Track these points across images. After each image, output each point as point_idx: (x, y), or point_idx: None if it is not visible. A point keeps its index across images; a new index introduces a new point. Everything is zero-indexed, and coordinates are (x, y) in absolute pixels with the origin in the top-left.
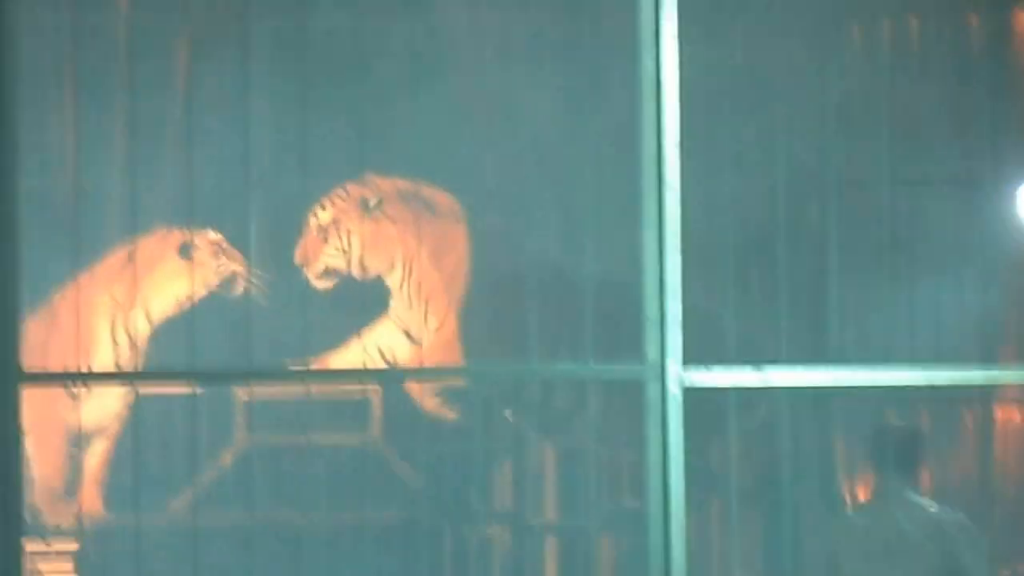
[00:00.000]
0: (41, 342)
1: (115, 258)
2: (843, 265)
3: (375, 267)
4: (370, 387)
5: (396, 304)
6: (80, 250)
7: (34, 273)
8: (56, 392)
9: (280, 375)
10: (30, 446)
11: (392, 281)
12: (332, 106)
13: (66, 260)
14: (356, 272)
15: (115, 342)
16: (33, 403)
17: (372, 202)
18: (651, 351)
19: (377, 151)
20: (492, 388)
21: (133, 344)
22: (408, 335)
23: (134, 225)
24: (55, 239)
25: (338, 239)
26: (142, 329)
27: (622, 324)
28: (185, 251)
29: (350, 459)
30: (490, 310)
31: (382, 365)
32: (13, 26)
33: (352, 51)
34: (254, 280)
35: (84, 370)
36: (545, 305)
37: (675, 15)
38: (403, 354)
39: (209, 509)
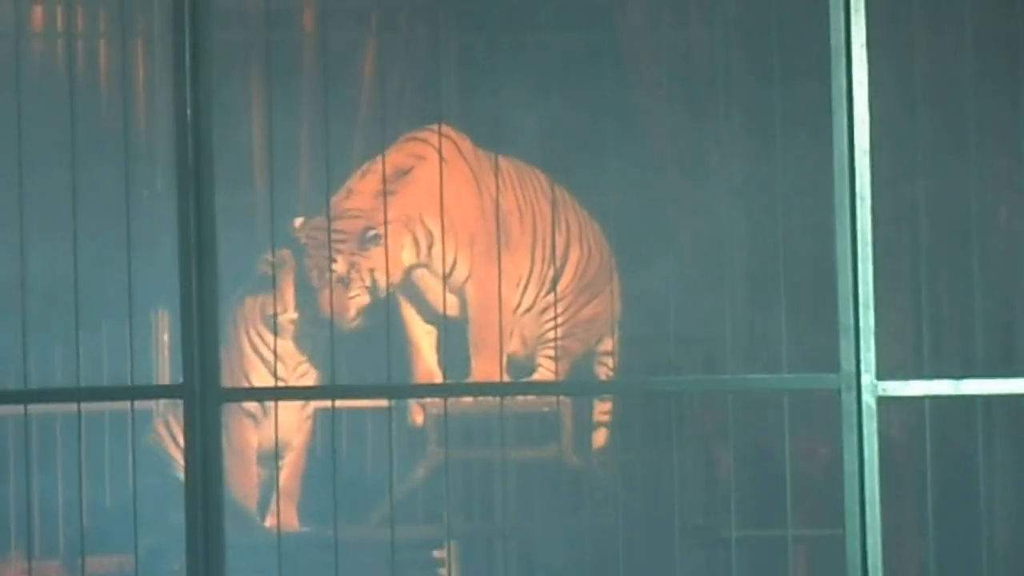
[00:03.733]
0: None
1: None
2: None
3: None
4: (561, 400)
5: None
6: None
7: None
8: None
9: (470, 389)
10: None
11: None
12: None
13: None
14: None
15: (291, 357)
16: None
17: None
18: (845, 361)
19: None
20: (686, 400)
21: (310, 359)
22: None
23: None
24: (239, 256)
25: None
26: (321, 344)
27: (816, 334)
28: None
29: (542, 471)
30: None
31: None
32: (208, 44)
33: (554, 71)
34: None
35: (279, 385)
36: (741, 315)
37: (864, 24)
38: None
39: (403, 523)
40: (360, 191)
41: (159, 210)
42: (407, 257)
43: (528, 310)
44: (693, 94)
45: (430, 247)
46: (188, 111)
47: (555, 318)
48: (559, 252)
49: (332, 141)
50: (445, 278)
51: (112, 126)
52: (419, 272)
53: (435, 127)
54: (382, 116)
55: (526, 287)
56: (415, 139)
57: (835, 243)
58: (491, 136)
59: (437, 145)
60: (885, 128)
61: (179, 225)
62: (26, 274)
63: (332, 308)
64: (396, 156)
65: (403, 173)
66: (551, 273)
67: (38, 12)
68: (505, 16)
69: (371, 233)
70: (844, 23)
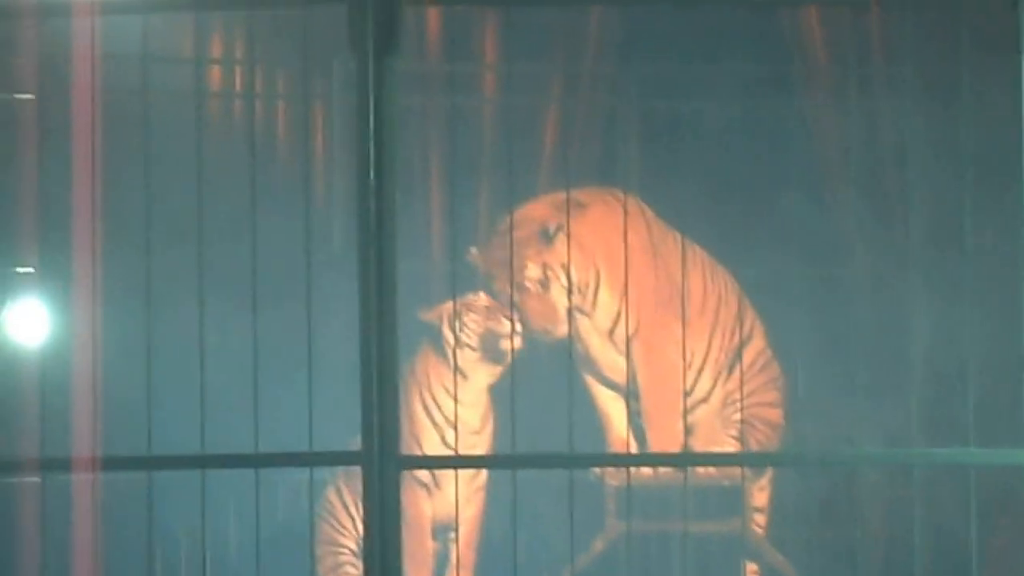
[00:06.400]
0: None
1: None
2: None
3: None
4: (743, 472)
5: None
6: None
7: None
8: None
9: (650, 459)
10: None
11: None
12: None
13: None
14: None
15: (447, 424)
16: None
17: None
18: None
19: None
20: (872, 474)
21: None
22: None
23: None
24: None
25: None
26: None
27: (1004, 407)
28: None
29: (722, 546)
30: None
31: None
32: (390, 107)
33: (720, 134)
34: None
35: (459, 455)
36: (925, 387)
37: None
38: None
39: None
40: (530, 216)
41: (337, 274)
42: (567, 298)
43: (705, 400)
44: (876, 158)
45: (596, 292)
46: (371, 174)
47: (739, 400)
48: (740, 339)
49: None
50: (627, 340)
51: (291, 190)
52: (582, 324)
53: (618, 190)
54: (564, 185)
55: (700, 372)
56: (598, 189)
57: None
58: (677, 216)
59: (620, 198)
60: None
61: (360, 289)
62: (205, 339)
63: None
64: (574, 194)
65: (547, 235)
66: (727, 361)
67: (216, 72)
68: (687, 82)
69: (552, 228)
70: None
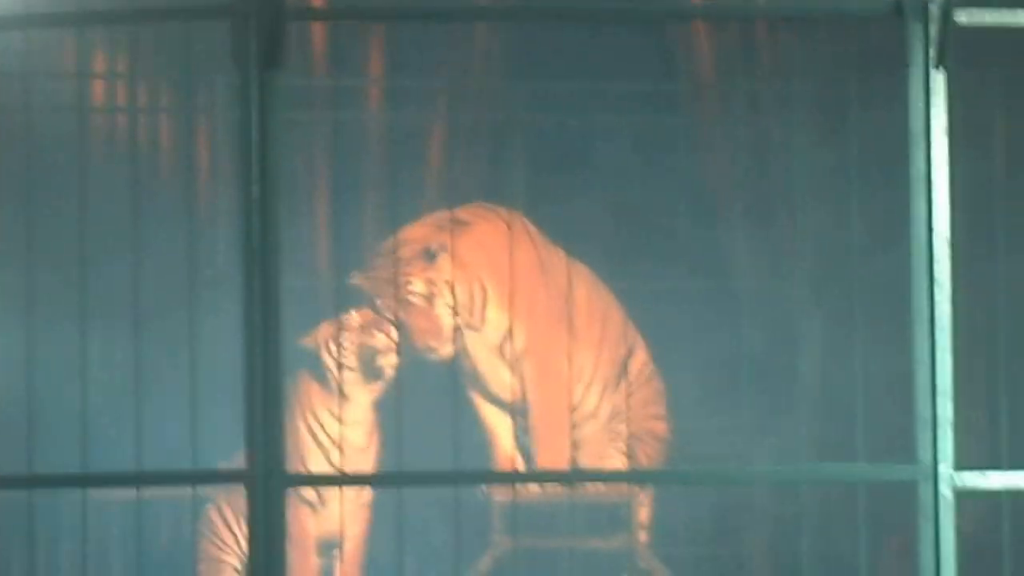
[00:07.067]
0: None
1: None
2: None
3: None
4: (632, 488)
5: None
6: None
7: None
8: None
9: (540, 476)
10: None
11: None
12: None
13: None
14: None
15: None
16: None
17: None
18: (923, 452)
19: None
20: (762, 491)
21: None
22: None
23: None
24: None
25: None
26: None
27: (893, 425)
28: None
29: (609, 562)
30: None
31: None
32: (273, 122)
33: (606, 149)
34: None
35: (343, 473)
36: (815, 405)
37: (944, 110)
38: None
39: None
40: (413, 236)
41: (222, 290)
42: (455, 316)
43: (592, 415)
44: (764, 178)
45: (483, 309)
46: (254, 190)
47: (626, 414)
48: (624, 353)
49: (399, 224)
50: (514, 357)
51: (175, 206)
52: (470, 341)
53: (503, 207)
54: (449, 203)
55: (587, 387)
56: (481, 206)
57: (912, 330)
58: (561, 231)
59: (505, 215)
60: (963, 212)
61: (243, 306)
62: (87, 357)
63: (398, 391)
64: (459, 213)
65: (431, 255)
66: (613, 376)
67: (99, 87)
68: (576, 98)
69: (435, 247)
70: (924, 108)
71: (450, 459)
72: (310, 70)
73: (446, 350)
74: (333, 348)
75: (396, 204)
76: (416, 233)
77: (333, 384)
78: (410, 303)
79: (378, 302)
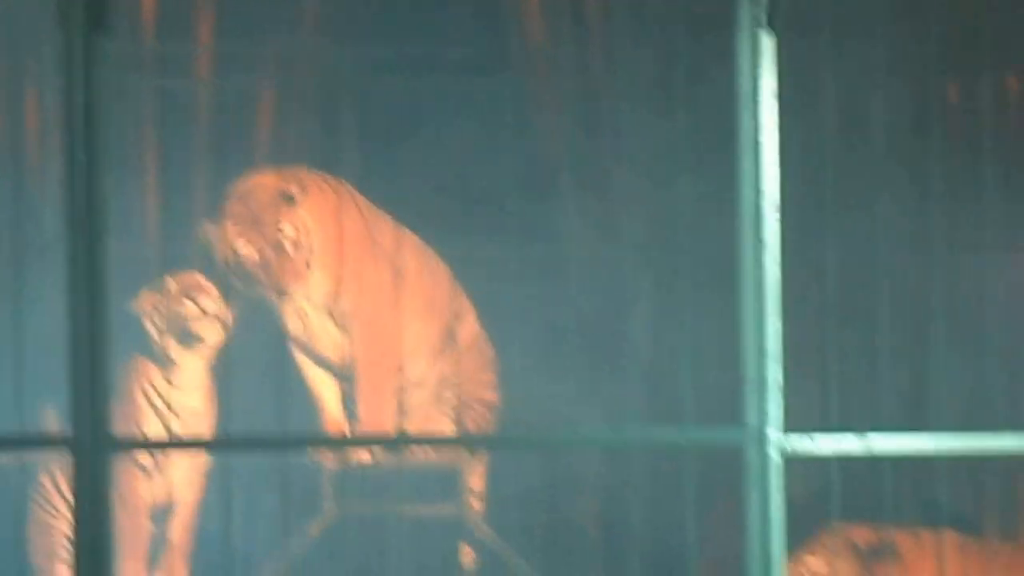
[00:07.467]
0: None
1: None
2: (944, 330)
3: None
4: (463, 455)
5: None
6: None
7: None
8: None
9: (365, 440)
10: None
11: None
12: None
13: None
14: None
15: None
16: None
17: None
18: (751, 416)
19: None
20: (591, 455)
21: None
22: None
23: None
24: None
25: None
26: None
27: (723, 389)
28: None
29: (441, 530)
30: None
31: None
32: (99, 88)
33: (437, 113)
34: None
35: (171, 438)
36: (645, 370)
37: (772, 72)
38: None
39: None
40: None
41: (50, 256)
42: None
43: (419, 382)
44: (595, 142)
45: (314, 272)
46: (79, 154)
47: (451, 383)
48: (453, 320)
49: (226, 190)
50: (343, 321)
51: (1, 169)
52: (300, 303)
53: (333, 172)
54: (277, 166)
55: (415, 353)
56: (312, 170)
57: (740, 294)
58: (391, 196)
59: (334, 180)
60: (794, 182)
61: (69, 272)
62: None
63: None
64: (275, 182)
65: (289, 197)
66: (442, 343)
67: None
68: (405, 63)
69: (290, 192)
70: (752, 71)
71: (280, 424)
72: (138, 35)
73: (276, 313)
74: (154, 314)
75: (224, 170)
76: (251, 191)
77: (158, 350)
78: (241, 267)
79: (205, 267)
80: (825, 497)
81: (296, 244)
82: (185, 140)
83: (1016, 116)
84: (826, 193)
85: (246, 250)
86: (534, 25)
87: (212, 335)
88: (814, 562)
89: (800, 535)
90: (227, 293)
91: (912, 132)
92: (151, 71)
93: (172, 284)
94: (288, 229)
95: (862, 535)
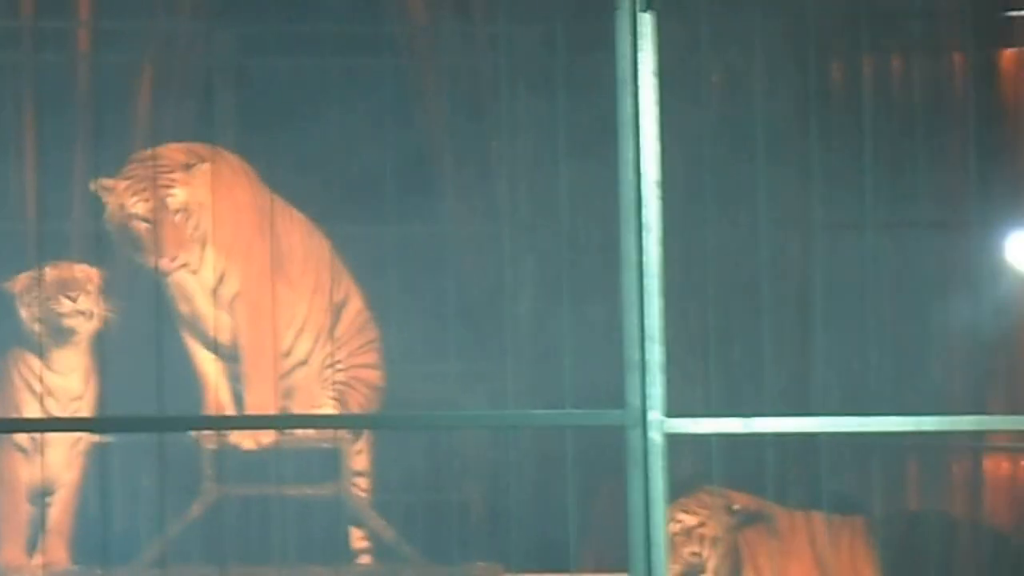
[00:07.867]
0: None
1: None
2: (827, 311)
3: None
4: (342, 434)
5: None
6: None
7: None
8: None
9: (251, 422)
10: None
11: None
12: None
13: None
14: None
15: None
16: None
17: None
18: (632, 397)
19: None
20: (477, 438)
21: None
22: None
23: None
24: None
25: None
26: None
27: (606, 370)
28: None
29: (321, 510)
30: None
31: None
32: None
33: (318, 92)
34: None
35: (49, 419)
36: (527, 351)
37: (653, 54)
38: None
39: (176, 562)
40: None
41: None
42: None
43: (304, 363)
44: (477, 123)
45: (201, 250)
46: None
47: (335, 364)
48: (337, 301)
49: (105, 168)
50: (225, 299)
51: None
52: (185, 282)
53: (221, 149)
54: (155, 141)
55: (300, 334)
56: (201, 147)
57: (621, 275)
58: (275, 176)
59: (223, 158)
60: (675, 163)
61: None
62: None
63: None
64: (176, 152)
65: (187, 166)
66: (326, 323)
67: None
68: (287, 40)
69: (185, 163)
70: (632, 51)
71: (161, 405)
72: (16, 10)
73: (162, 291)
74: (30, 302)
75: (103, 147)
76: (152, 154)
77: (32, 336)
78: (135, 220)
79: (86, 242)
80: (707, 467)
81: (186, 211)
82: (63, 117)
83: (898, 95)
84: (708, 175)
85: (136, 208)
86: (415, 5)
87: (87, 327)
88: (686, 517)
89: (677, 493)
90: (111, 266)
91: (793, 112)
92: (29, 47)
93: (48, 275)
94: (180, 194)
95: (739, 498)
